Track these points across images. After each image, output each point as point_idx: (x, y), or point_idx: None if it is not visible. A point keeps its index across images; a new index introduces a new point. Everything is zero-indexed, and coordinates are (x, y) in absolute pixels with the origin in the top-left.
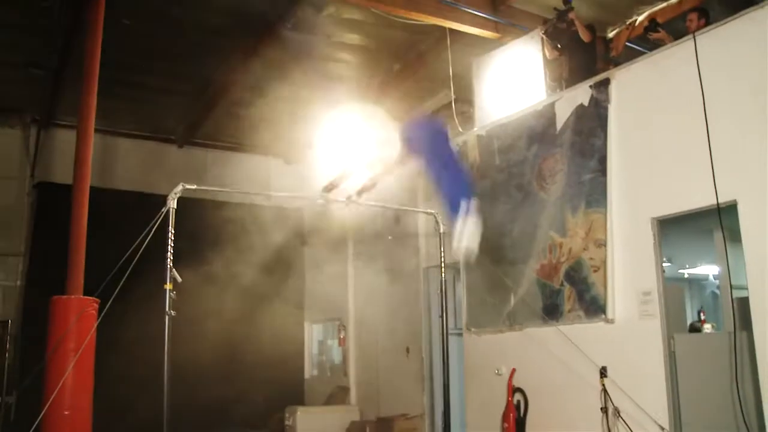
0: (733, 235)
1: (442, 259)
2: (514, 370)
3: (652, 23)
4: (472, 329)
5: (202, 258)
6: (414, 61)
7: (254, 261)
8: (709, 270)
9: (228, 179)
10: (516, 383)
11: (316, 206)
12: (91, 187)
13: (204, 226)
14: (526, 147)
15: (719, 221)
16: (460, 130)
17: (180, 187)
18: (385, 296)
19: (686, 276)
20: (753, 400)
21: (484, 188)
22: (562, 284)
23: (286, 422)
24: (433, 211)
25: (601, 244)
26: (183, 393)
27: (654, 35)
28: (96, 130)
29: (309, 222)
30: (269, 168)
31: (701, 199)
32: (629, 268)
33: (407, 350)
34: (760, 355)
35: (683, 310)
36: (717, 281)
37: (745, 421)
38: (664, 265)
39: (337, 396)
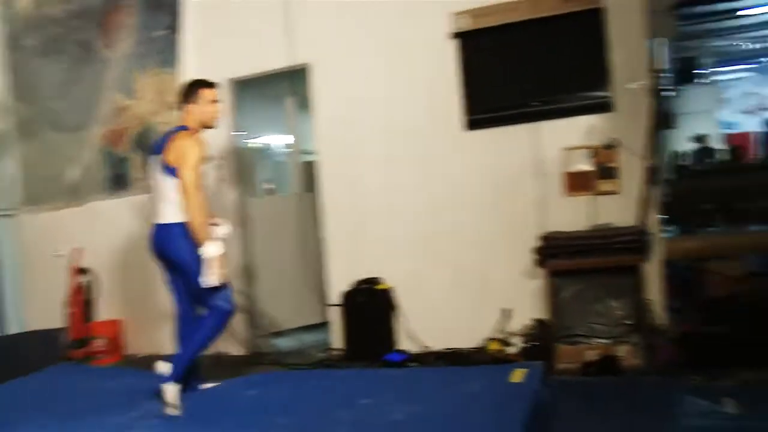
0: (302, 103)
1: None
2: (77, 250)
3: None
4: (28, 208)
5: None
6: None
7: None
8: (272, 140)
9: None
10: (85, 264)
11: None
12: None
13: None
14: None
15: (292, 84)
16: None
17: None
18: None
19: (256, 145)
20: (315, 249)
21: (35, 43)
22: (130, 152)
23: None
24: None
25: (173, 107)
26: None
27: None
28: None
29: None
30: None
31: (276, 61)
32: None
33: None
34: (322, 212)
35: (255, 176)
36: (281, 150)
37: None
38: (238, 133)
39: None
